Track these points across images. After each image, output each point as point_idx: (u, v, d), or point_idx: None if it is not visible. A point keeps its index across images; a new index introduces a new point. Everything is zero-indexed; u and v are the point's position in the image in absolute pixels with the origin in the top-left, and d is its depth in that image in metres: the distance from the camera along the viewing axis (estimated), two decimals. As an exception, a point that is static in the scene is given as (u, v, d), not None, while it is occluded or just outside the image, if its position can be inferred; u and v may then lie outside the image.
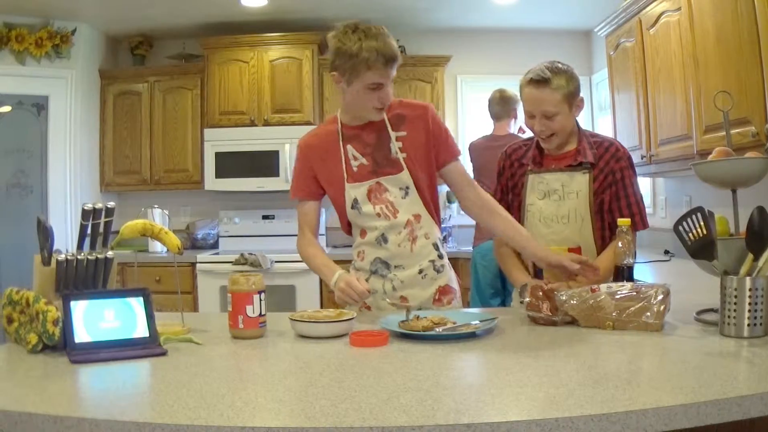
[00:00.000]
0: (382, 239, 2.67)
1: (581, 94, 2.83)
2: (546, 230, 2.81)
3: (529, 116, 2.80)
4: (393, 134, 2.69)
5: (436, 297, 2.73)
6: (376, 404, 1.47)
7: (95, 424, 1.39)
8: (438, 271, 2.73)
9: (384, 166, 2.68)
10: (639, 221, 2.81)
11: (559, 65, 2.77)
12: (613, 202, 2.79)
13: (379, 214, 2.67)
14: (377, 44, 2.47)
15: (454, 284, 2.81)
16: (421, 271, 2.70)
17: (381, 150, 2.69)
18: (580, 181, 2.79)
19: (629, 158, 2.83)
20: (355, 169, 2.69)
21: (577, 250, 2.76)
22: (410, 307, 2.45)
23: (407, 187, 2.67)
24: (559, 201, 2.80)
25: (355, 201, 2.68)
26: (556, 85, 2.72)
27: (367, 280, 2.70)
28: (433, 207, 2.73)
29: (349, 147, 2.71)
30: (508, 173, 2.95)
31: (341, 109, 2.76)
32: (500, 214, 2.74)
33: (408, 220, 2.67)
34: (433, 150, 2.72)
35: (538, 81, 2.72)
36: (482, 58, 6.81)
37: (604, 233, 2.81)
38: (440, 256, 2.75)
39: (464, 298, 5.06)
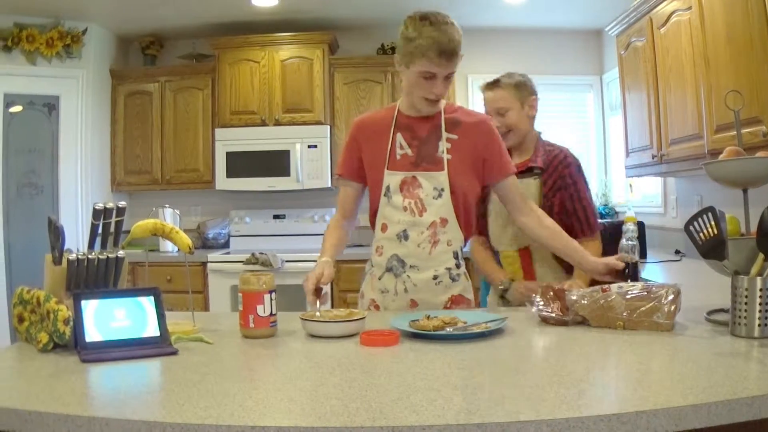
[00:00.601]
0: (403, 235, 2.65)
1: (534, 96, 3.12)
2: (501, 231, 3.09)
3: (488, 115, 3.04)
4: (445, 134, 2.69)
5: (448, 305, 2.70)
6: (386, 404, 1.47)
7: (106, 423, 1.40)
8: (453, 280, 2.70)
9: (426, 162, 2.67)
10: (587, 227, 3.04)
11: (514, 74, 3.13)
12: (568, 203, 3.03)
13: (405, 208, 2.64)
14: (436, 34, 2.48)
15: (468, 295, 2.77)
16: (435, 277, 2.67)
17: (428, 145, 2.69)
18: (531, 186, 3.01)
19: (578, 165, 3.10)
20: (398, 157, 2.69)
21: (526, 250, 3.05)
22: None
23: (442, 189, 2.64)
24: None
25: (388, 189, 2.67)
26: (505, 85, 3.06)
27: (380, 278, 2.71)
28: (464, 216, 2.70)
29: (398, 135, 2.71)
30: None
31: (401, 97, 2.78)
32: (550, 227, 2.76)
33: (433, 222, 2.64)
34: (482, 163, 2.72)
35: (490, 84, 3.11)
36: (493, 57, 6.80)
37: None
38: (458, 265, 2.72)
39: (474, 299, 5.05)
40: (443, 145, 2.67)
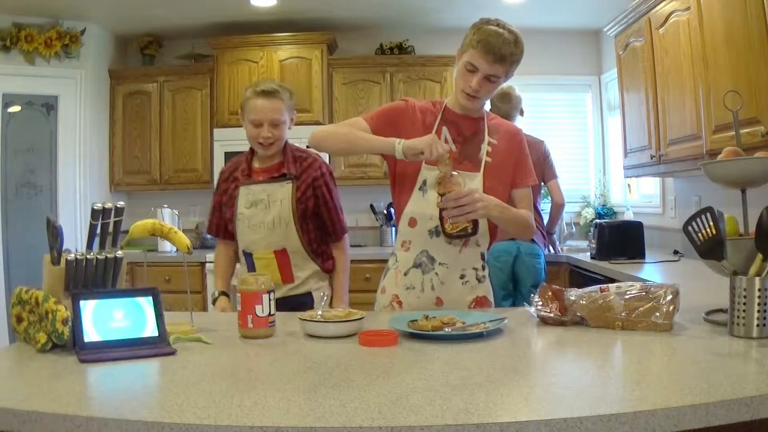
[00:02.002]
0: (435, 232, 2.63)
1: (295, 112, 3.23)
2: (255, 236, 3.09)
3: (256, 125, 3.06)
4: (487, 138, 2.70)
5: (472, 306, 2.69)
6: (385, 404, 1.47)
7: (104, 423, 1.39)
8: (479, 281, 2.71)
9: (467, 161, 2.66)
10: (340, 231, 3.22)
11: (284, 85, 3.19)
12: (322, 207, 3.14)
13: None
14: (492, 33, 2.53)
15: (491, 297, 2.79)
16: (462, 276, 2.67)
17: (472, 145, 2.69)
18: (284, 191, 3.07)
19: (331, 172, 3.22)
20: None
21: (283, 252, 3.06)
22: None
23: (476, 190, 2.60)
24: (266, 209, 3.07)
25: (424, 183, 2.64)
26: (283, 97, 3.09)
27: (405, 274, 2.69)
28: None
29: (444, 129, 2.70)
30: (222, 188, 3.27)
31: (451, 97, 2.78)
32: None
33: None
34: (513, 168, 2.73)
35: (269, 92, 3.06)
36: (491, 57, 6.79)
37: (311, 236, 3.12)
38: (483, 267, 2.74)
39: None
40: (485, 148, 2.68)
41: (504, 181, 2.71)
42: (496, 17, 2.62)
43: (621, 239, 4.94)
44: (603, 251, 4.95)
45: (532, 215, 2.76)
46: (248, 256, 3.12)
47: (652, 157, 4.59)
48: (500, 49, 2.51)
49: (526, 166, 2.77)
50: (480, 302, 2.72)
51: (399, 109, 2.73)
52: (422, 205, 2.64)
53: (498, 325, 2.20)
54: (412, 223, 2.67)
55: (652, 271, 4.30)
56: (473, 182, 2.61)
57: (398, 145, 2.46)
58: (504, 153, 2.71)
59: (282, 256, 3.06)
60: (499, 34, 2.52)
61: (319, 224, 3.14)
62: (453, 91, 2.77)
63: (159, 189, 6.59)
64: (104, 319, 2.01)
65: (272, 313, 2.23)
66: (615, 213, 6.52)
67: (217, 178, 3.37)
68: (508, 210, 2.59)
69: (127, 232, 2.31)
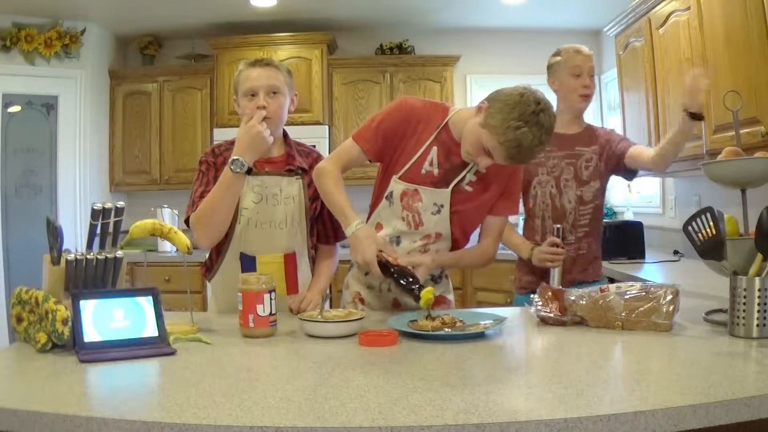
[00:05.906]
0: (396, 240, 2.62)
1: (296, 93, 2.87)
2: (261, 237, 2.71)
3: (251, 95, 2.68)
4: (475, 167, 2.56)
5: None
6: (385, 404, 1.47)
7: (104, 423, 1.39)
8: (435, 282, 2.72)
9: (443, 185, 2.58)
10: (340, 234, 2.87)
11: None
12: (326, 210, 2.78)
13: (403, 218, 2.60)
14: (525, 141, 2.31)
15: (449, 295, 2.80)
16: None
17: (454, 173, 2.59)
18: (296, 187, 2.76)
19: None
20: (423, 172, 2.58)
21: (292, 256, 2.77)
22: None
23: (442, 206, 2.57)
24: (276, 206, 2.72)
25: (391, 194, 2.61)
26: (280, 68, 2.74)
27: (366, 274, 2.69)
28: (459, 233, 2.65)
29: (434, 149, 2.58)
30: (213, 173, 2.73)
31: (457, 117, 2.59)
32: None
33: (428, 235, 2.61)
34: (498, 197, 2.67)
35: (264, 61, 2.72)
36: (491, 57, 6.80)
37: (312, 240, 2.86)
38: (442, 271, 2.76)
39: (474, 299, 5.06)
40: (469, 177, 2.60)
41: (482, 208, 2.67)
42: (541, 100, 2.40)
43: (621, 239, 4.93)
44: (603, 251, 4.94)
45: (492, 247, 2.74)
46: (248, 260, 2.72)
47: (652, 157, 4.59)
48: (528, 157, 2.39)
49: (513, 196, 2.72)
50: (437, 301, 2.62)
51: (394, 125, 2.61)
52: (387, 213, 2.64)
53: (498, 325, 2.20)
54: (378, 227, 2.66)
55: (652, 271, 4.30)
56: (440, 197, 2.58)
57: (352, 229, 2.44)
58: (488, 182, 2.63)
59: (291, 260, 2.76)
60: (530, 137, 2.32)
61: (320, 228, 2.89)
62: (458, 113, 2.61)
63: (159, 189, 6.58)
64: (104, 319, 2.01)
65: (273, 312, 2.23)
66: (615, 213, 6.51)
67: (204, 156, 2.81)
68: (447, 263, 2.69)
69: (127, 232, 2.30)
